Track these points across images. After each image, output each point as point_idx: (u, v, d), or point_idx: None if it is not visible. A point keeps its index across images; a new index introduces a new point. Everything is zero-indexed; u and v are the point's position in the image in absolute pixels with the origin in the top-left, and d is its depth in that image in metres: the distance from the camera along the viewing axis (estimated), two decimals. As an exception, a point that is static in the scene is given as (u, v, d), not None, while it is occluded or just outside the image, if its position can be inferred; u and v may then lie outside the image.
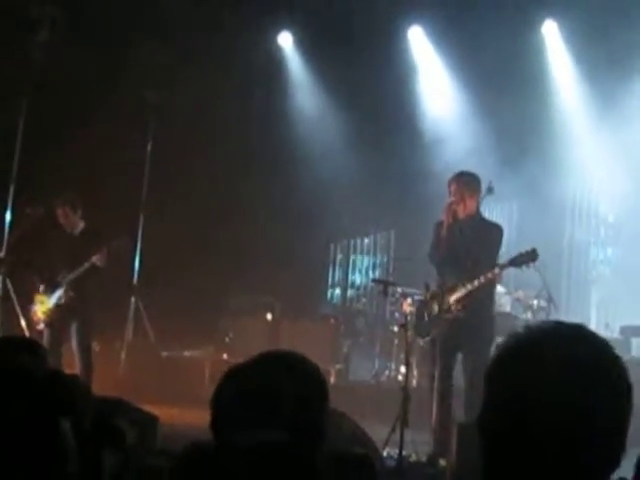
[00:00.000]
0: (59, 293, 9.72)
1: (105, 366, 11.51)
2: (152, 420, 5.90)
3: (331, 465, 2.77)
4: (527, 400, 1.65)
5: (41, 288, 9.84)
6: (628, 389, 1.72)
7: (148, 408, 8.67)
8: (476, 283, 7.26)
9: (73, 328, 9.59)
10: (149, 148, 12.50)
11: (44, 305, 9.78)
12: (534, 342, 1.72)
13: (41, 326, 9.79)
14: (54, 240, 9.86)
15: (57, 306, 9.72)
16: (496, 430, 1.69)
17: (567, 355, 1.68)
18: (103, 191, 11.90)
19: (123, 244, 9.92)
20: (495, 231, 7.67)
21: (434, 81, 13.99)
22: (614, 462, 1.68)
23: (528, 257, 7.39)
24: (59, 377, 2.25)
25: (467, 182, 7.61)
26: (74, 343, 9.62)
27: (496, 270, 7.48)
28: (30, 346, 3.11)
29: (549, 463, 1.63)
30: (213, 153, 13.02)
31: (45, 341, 9.57)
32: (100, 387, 9.97)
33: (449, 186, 7.62)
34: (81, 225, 9.85)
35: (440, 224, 7.66)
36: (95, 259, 9.48)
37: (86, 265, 9.52)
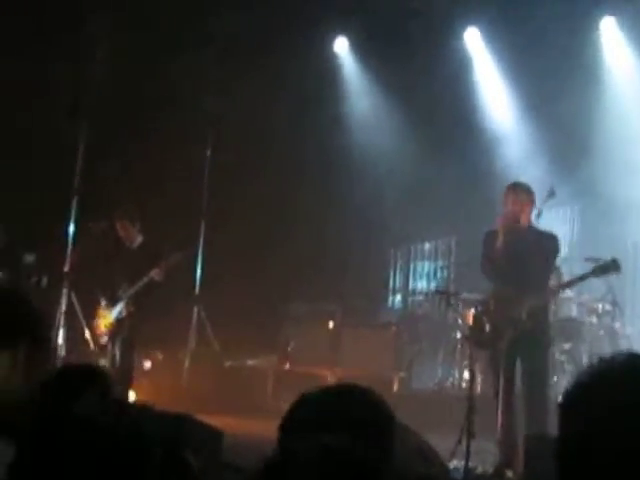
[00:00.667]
0: (120, 307, 9.86)
1: (169, 376, 11.63)
2: (218, 436, 5.90)
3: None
4: (602, 432, 1.65)
5: (103, 302, 10.00)
6: None
7: (211, 418, 8.76)
8: (550, 294, 7.21)
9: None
10: (208, 154, 12.58)
11: (106, 319, 9.97)
12: (610, 375, 1.73)
13: (104, 340, 9.92)
14: (115, 254, 10.00)
15: (118, 320, 9.87)
16: (571, 458, 1.69)
17: None
18: (164, 200, 12.03)
19: (181, 258, 10.02)
20: (551, 241, 7.61)
21: (491, 81, 13.88)
22: None
23: (610, 268, 7.32)
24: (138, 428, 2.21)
25: (523, 192, 7.57)
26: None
27: (573, 282, 7.43)
28: (93, 376, 3.11)
29: None
30: (271, 161, 13.08)
31: (109, 355, 9.71)
32: (164, 397, 10.10)
33: (505, 196, 7.58)
34: (139, 239, 10.00)
35: (492, 234, 7.63)
36: (154, 274, 9.66)
37: (145, 280, 9.68)
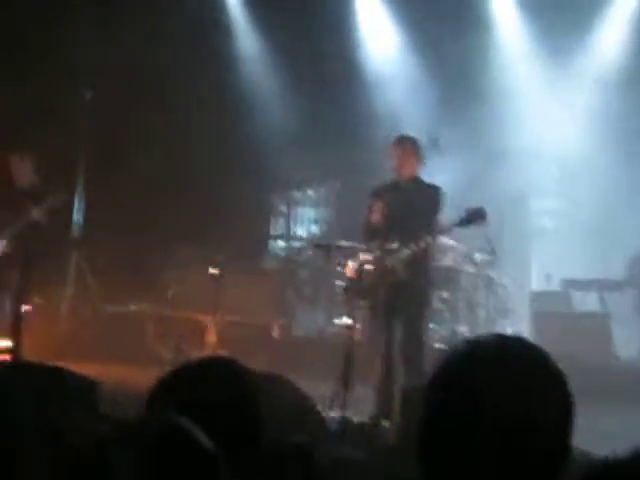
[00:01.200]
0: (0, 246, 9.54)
1: (47, 321, 11.41)
2: (93, 386, 5.78)
3: (269, 457, 2.73)
4: (472, 410, 1.69)
5: None
6: (568, 400, 1.74)
7: (90, 365, 8.66)
8: (422, 245, 7.27)
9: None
10: (89, 98, 12.25)
11: None
12: (478, 356, 1.75)
13: None
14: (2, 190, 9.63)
15: None
16: (432, 441, 1.74)
17: (508, 369, 1.72)
18: (45, 141, 11.72)
19: (63, 199, 9.72)
20: (435, 193, 7.68)
21: (376, 21, 13.83)
22: (557, 470, 1.71)
23: (475, 216, 7.38)
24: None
25: (409, 145, 7.62)
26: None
27: (443, 232, 7.51)
28: None
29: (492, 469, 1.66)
30: (158, 104, 12.80)
31: None
32: (41, 342, 9.93)
33: (391, 149, 7.61)
34: (32, 179, 9.65)
35: (377, 191, 7.68)
36: (34, 213, 9.29)
37: (25, 219, 9.31)
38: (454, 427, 1.69)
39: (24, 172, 9.58)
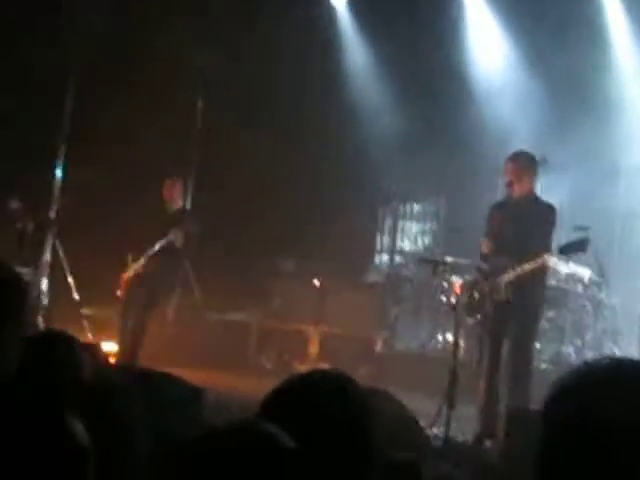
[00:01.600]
0: (141, 263, 9.97)
1: (153, 327, 11.61)
2: (198, 394, 5.85)
3: (376, 472, 2.71)
4: (584, 433, 1.65)
5: (130, 256, 10.13)
6: None
7: (194, 372, 8.77)
8: (526, 267, 7.18)
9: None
10: (200, 107, 12.43)
11: (128, 273, 10.05)
12: (595, 377, 1.72)
13: (119, 292, 10.04)
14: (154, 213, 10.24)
15: (137, 275, 9.96)
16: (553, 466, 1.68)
17: (629, 394, 1.68)
18: (153, 154, 11.97)
19: (198, 230, 10.09)
20: (549, 212, 7.58)
21: (486, 33, 13.68)
22: None
23: (578, 247, 7.33)
24: None
25: (523, 162, 7.54)
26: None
27: (546, 257, 7.41)
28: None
29: None
30: (266, 115, 12.94)
31: (122, 309, 9.97)
32: (147, 348, 10.10)
33: (505, 166, 7.54)
34: (180, 203, 10.32)
35: (495, 207, 7.63)
36: (171, 236, 9.69)
37: (163, 241, 9.74)
38: (576, 448, 1.65)
39: (174, 196, 10.14)
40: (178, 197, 10.21)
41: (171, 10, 12.04)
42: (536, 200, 7.65)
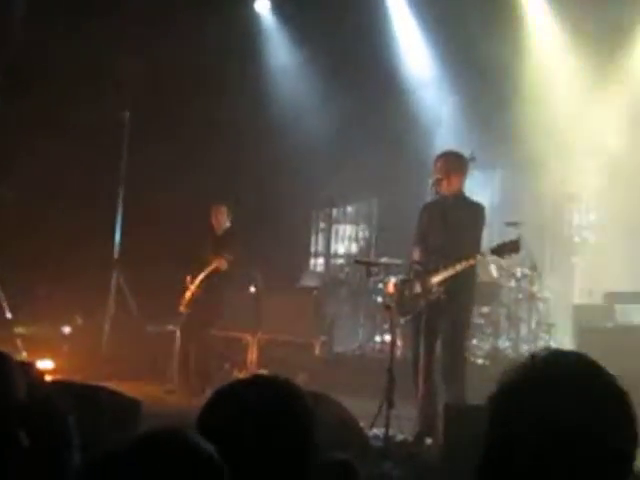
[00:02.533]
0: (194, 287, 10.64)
1: (88, 341, 11.49)
2: (136, 406, 5.81)
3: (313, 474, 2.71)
4: (532, 428, 1.66)
5: (188, 278, 10.70)
6: (631, 417, 1.71)
7: (132, 384, 8.69)
8: (458, 267, 7.23)
9: None
10: (127, 117, 12.31)
11: (187, 295, 10.66)
12: (539, 373, 1.74)
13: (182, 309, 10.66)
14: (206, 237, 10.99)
15: (194, 299, 10.63)
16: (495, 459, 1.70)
17: (573, 384, 1.71)
18: (80, 163, 11.85)
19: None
20: (478, 211, 7.64)
21: (412, 36, 13.81)
22: None
23: (511, 248, 7.40)
24: None
25: (452, 160, 7.57)
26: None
27: (478, 257, 7.48)
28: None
29: None
30: (190, 122, 12.86)
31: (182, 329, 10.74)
32: (84, 362, 10.01)
33: (435, 164, 7.57)
34: (227, 225, 10.93)
35: (425, 207, 7.69)
36: (216, 263, 10.47)
37: (210, 268, 10.49)
38: (518, 444, 1.67)
39: (221, 220, 10.81)
40: (225, 221, 10.85)
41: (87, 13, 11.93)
42: (464, 199, 7.70)
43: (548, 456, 1.64)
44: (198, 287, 10.51)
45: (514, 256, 10.23)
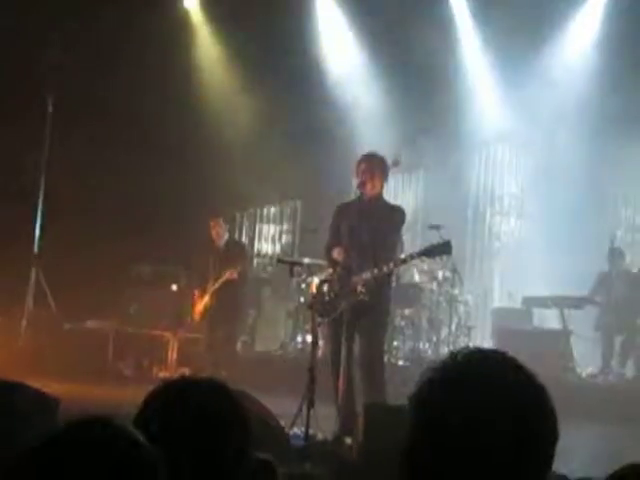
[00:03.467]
0: (206, 299, 11.06)
1: (5, 337, 11.30)
2: (53, 403, 5.72)
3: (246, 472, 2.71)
4: (453, 426, 1.66)
5: (197, 292, 11.25)
6: (552, 416, 1.73)
7: (49, 382, 8.56)
8: (385, 269, 7.27)
9: None
10: (50, 111, 12.13)
11: (198, 307, 11.11)
12: (461, 371, 1.74)
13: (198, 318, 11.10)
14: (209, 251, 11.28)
15: (207, 310, 11.04)
16: (422, 456, 1.69)
17: (493, 380, 1.71)
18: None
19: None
20: (398, 214, 7.68)
21: (335, 31, 13.87)
22: None
23: (442, 250, 7.44)
24: None
25: (376, 162, 7.58)
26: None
27: (407, 259, 7.55)
28: None
29: None
30: (111, 115, 12.69)
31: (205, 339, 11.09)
32: (2, 359, 9.84)
33: (358, 165, 7.58)
34: (226, 237, 11.35)
35: (341, 208, 7.69)
36: (228, 275, 10.81)
37: (221, 280, 10.87)
38: (443, 441, 1.67)
39: (220, 233, 11.15)
40: (224, 234, 11.23)
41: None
42: (385, 202, 7.75)
43: (469, 453, 1.64)
44: (211, 299, 10.91)
45: (438, 259, 10.46)
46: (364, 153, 7.76)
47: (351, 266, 7.41)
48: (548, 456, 1.71)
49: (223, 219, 11.34)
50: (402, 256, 7.64)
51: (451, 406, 1.67)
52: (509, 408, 1.67)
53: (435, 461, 1.67)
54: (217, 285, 10.84)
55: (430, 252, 7.46)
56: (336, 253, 7.61)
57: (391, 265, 7.32)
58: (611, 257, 11.80)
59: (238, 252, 11.26)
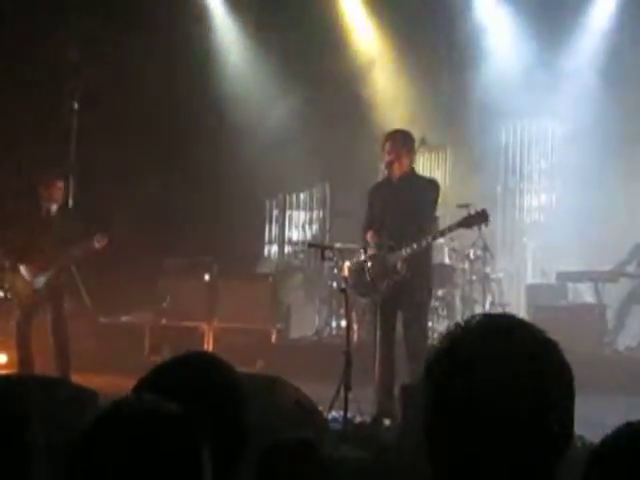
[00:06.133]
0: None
1: (43, 334, 11.36)
2: (92, 397, 5.79)
3: (274, 455, 2.72)
4: (475, 388, 1.66)
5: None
6: (569, 375, 1.73)
7: (88, 377, 8.63)
8: (424, 243, 7.24)
9: None
10: (75, 108, 12.15)
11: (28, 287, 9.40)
12: (474, 334, 1.73)
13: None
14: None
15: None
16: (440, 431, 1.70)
17: (507, 350, 1.69)
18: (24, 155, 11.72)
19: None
20: (431, 187, 7.65)
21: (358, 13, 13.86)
22: (561, 450, 1.70)
23: (479, 219, 7.39)
24: None
25: (402, 140, 7.54)
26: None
27: (445, 231, 7.53)
28: None
29: (498, 451, 1.65)
30: (140, 114, 12.74)
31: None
32: (39, 357, 9.90)
33: (383, 144, 7.55)
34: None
35: (374, 189, 7.68)
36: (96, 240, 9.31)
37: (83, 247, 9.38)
38: (453, 411, 1.67)
39: (59, 195, 9.40)
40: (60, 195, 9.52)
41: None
42: (416, 177, 7.71)
43: (487, 418, 1.64)
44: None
45: (467, 237, 10.42)
46: (388, 131, 7.74)
47: (386, 245, 7.39)
48: (568, 416, 1.70)
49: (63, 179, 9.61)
50: (440, 229, 7.62)
51: (468, 369, 1.67)
52: (525, 364, 1.67)
53: (451, 429, 1.67)
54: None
55: (468, 222, 7.43)
56: (369, 236, 7.61)
57: (429, 238, 7.31)
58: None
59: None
